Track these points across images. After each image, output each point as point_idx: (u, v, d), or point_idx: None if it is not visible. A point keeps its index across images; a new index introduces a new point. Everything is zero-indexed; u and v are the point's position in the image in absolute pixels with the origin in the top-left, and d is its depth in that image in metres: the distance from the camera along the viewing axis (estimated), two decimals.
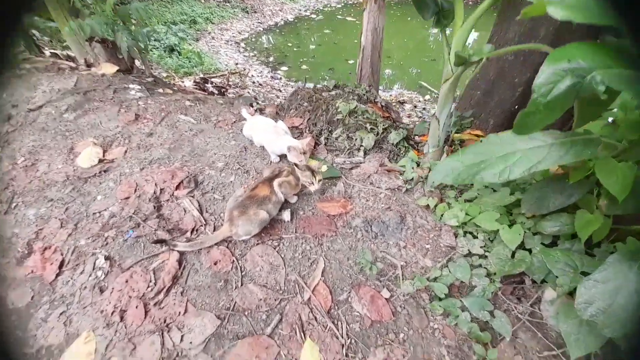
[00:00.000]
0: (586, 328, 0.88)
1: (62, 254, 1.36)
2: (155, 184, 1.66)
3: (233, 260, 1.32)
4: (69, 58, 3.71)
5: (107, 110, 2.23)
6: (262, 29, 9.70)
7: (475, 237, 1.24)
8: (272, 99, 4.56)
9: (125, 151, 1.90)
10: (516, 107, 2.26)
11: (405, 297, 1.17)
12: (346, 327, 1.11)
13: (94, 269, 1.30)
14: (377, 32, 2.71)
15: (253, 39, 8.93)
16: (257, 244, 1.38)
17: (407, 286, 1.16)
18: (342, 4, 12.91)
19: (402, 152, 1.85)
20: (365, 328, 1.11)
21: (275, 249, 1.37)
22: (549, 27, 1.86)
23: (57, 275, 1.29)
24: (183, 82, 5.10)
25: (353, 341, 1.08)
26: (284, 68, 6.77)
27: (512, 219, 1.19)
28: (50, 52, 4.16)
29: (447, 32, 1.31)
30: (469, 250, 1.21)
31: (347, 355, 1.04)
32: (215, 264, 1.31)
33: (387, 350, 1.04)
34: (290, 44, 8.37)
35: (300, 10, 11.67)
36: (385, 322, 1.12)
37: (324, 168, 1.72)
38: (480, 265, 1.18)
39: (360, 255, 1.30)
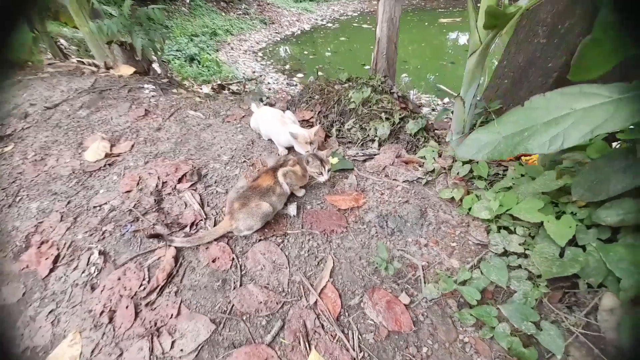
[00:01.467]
0: None
1: (58, 249, 1.27)
2: (158, 177, 1.56)
3: (233, 258, 1.18)
4: (94, 65, 3.81)
5: (118, 107, 2.19)
6: (279, 39, 9.83)
7: (512, 232, 1.02)
8: (283, 95, 4.48)
9: (132, 145, 1.82)
10: None
11: (428, 304, 0.97)
12: (358, 338, 0.92)
13: (87, 265, 1.20)
14: (393, 23, 2.54)
15: (270, 49, 9.06)
16: (260, 240, 1.23)
17: (431, 290, 0.96)
18: (358, 12, 12.91)
19: (421, 142, 1.66)
20: (381, 340, 0.92)
21: (279, 246, 1.21)
22: (584, 5, 1.62)
23: (51, 270, 1.20)
24: (201, 89, 5.15)
25: (366, 355, 0.89)
26: (300, 75, 6.76)
27: (559, 209, 0.96)
28: (77, 60, 4.30)
29: None
30: (504, 248, 0.99)
31: None
32: (213, 261, 1.17)
33: None
34: (306, 52, 8.43)
35: (316, 19, 11.79)
36: (404, 333, 0.92)
37: (335, 160, 1.55)
38: (519, 266, 0.96)
39: (375, 253, 1.11)
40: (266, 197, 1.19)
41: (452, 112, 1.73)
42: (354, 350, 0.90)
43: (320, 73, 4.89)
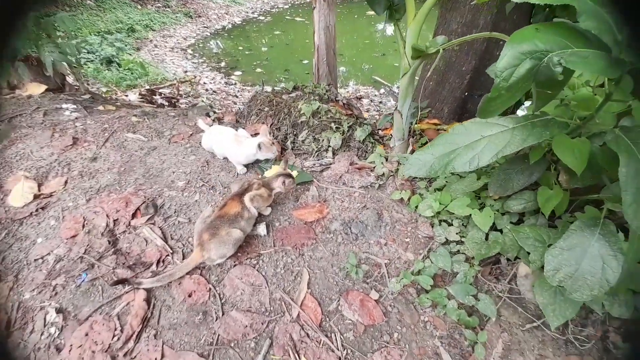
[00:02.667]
0: (561, 297, 0.93)
1: (6, 313, 1.13)
2: (107, 215, 1.45)
3: (210, 289, 1.20)
4: None
5: (37, 137, 1.91)
6: (209, 34, 9.24)
7: (450, 224, 1.26)
8: (229, 106, 4.35)
9: (66, 181, 1.64)
10: (466, 93, 2.38)
11: (393, 296, 1.15)
12: (340, 338, 1.06)
13: (45, 326, 1.09)
14: (330, 30, 2.67)
15: (201, 45, 8.49)
16: (235, 266, 1.27)
17: (394, 284, 1.14)
18: (289, 5, 12.77)
19: (369, 148, 1.84)
20: (360, 335, 1.07)
21: (254, 267, 1.27)
22: (487, 17, 1.97)
23: (7, 337, 1.06)
24: (127, 95, 4.64)
25: (349, 351, 1.03)
26: (238, 72, 6.52)
27: (481, 203, 1.23)
28: None
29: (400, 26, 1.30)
30: (446, 238, 1.23)
31: None
32: (189, 295, 1.18)
33: (384, 353, 1.02)
34: (241, 48, 8.11)
35: (247, 12, 11.33)
36: (378, 325, 1.09)
37: (295, 173, 1.64)
38: (458, 252, 1.21)
39: (344, 259, 1.26)
40: (235, 223, 1.23)
41: (392, 119, 1.96)
42: (338, 350, 1.03)
43: (262, 75, 4.80)
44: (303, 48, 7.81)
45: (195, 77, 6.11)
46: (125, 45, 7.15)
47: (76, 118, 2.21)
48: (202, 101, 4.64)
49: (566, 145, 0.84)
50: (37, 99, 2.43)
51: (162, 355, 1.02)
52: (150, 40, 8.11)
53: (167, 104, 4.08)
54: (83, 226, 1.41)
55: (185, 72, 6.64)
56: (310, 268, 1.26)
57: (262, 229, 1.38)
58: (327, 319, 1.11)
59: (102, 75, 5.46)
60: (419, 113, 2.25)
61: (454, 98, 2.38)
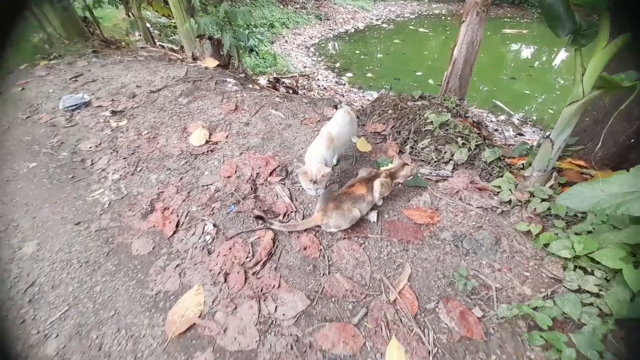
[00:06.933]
0: None
1: (177, 216, 1.62)
2: (252, 168, 1.88)
3: (321, 249, 1.44)
4: (172, 50, 4.35)
5: (212, 99, 2.58)
6: (332, 36, 10.12)
7: (589, 273, 1.16)
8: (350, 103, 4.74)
9: (227, 136, 2.18)
10: (632, 140, 2.04)
11: (499, 321, 1.15)
12: (433, 336, 1.13)
13: (203, 233, 1.53)
14: (474, 46, 2.68)
15: (322, 45, 9.35)
16: (344, 238, 1.48)
17: (504, 310, 1.14)
18: (416, 15, 12.83)
19: (494, 171, 1.81)
20: (453, 342, 1.12)
21: (361, 246, 1.45)
22: None
23: (174, 232, 1.55)
24: (258, 79, 5.57)
25: (440, 351, 1.10)
26: (349, 74, 6.97)
27: (636, 260, 1.09)
28: (159, 45, 4.90)
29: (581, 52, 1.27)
30: (579, 285, 1.15)
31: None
32: (304, 248, 1.44)
33: None
34: (357, 52, 8.48)
35: (372, 19, 11.91)
36: (475, 340, 1.12)
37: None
38: (591, 304, 1.11)
39: (449, 268, 1.31)
40: (357, 203, 1.44)
41: (531, 148, 1.86)
42: (429, 344, 1.11)
43: (392, 82, 4.92)
44: (418, 59, 7.78)
45: (313, 72, 6.85)
46: (265, 38, 8.52)
47: (235, 90, 2.86)
48: (313, 95, 5.19)
49: None
50: (211, 71, 3.23)
51: (279, 285, 1.30)
52: (283, 36, 9.43)
53: (289, 91, 4.74)
54: (235, 171, 1.87)
55: (305, 67, 7.49)
56: (412, 264, 1.37)
57: (372, 216, 1.56)
58: (422, 315, 1.20)
59: (244, 60, 6.68)
60: (564, 149, 2.05)
61: (613, 142, 2.07)
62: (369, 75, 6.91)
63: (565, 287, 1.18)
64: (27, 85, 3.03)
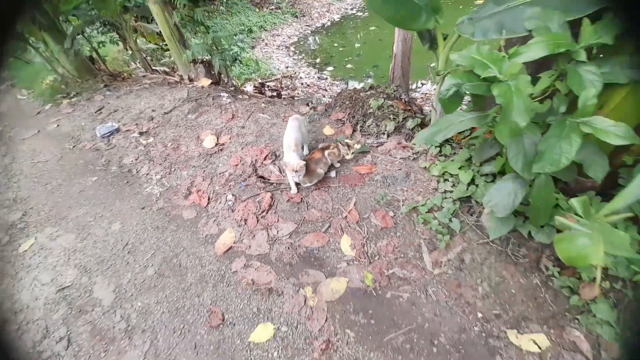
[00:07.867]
0: (498, 221, 1.66)
1: (207, 194, 2.52)
2: (252, 157, 2.76)
3: (302, 198, 2.32)
4: (166, 74, 5.20)
5: (213, 112, 3.45)
6: (309, 32, 10.48)
7: (447, 180, 2.04)
8: (319, 99, 5.56)
9: (230, 138, 3.05)
10: None
11: (402, 216, 2.03)
12: (367, 230, 2.03)
13: (226, 201, 2.42)
14: (407, 42, 3.49)
15: (301, 42, 9.73)
16: (316, 189, 2.37)
17: (404, 209, 2.02)
18: None
19: (415, 134, 2.67)
20: (377, 230, 2.01)
21: (326, 192, 2.33)
22: None
23: (207, 204, 2.44)
24: (245, 87, 6.35)
25: (370, 237, 1.99)
26: (330, 68, 7.55)
27: (467, 167, 1.97)
28: (152, 69, 5.72)
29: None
30: (444, 189, 2.03)
31: (365, 241, 1.96)
32: (292, 199, 2.33)
33: (388, 239, 1.93)
34: (336, 44, 8.93)
35: (346, 9, 12.16)
36: (389, 227, 2.00)
37: (357, 146, 2.62)
38: (449, 198, 1.99)
39: (378, 195, 2.19)
40: (317, 165, 2.31)
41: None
42: (363, 234, 2.00)
43: (352, 71, 5.64)
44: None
45: (294, 72, 7.57)
46: (245, 45, 9.08)
47: (229, 102, 3.72)
48: (297, 94, 5.98)
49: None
50: (207, 89, 4.09)
51: (277, 220, 2.20)
52: (263, 40, 9.88)
53: (273, 95, 5.55)
54: (240, 161, 2.75)
55: (287, 67, 8.12)
56: (357, 197, 2.25)
57: (333, 174, 2.44)
58: (362, 222, 2.09)
59: (229, 70, 7.43)
60: None
61: None
62: (349, 66, 7.37)
63: (438, 192, 2.06)
64: (60, 122, 3.91)
